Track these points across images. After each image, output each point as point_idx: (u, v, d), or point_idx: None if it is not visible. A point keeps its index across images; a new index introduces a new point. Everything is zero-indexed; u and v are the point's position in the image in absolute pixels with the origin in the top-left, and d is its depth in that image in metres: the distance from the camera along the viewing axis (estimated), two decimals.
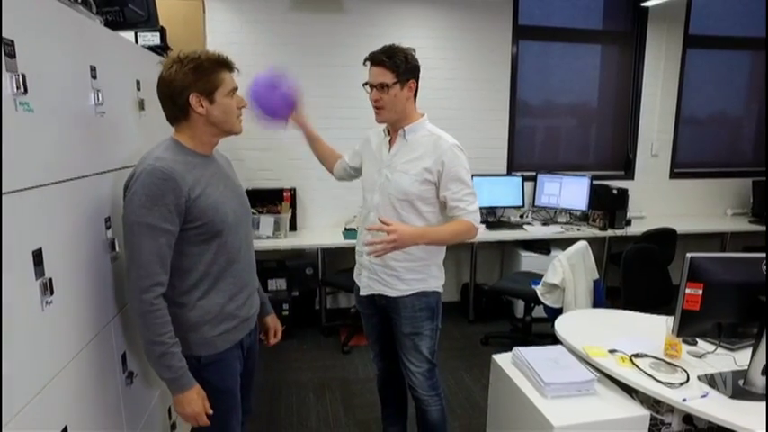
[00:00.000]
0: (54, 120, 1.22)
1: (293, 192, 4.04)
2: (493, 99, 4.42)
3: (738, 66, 5.00)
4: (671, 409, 1.77)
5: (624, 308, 2.54)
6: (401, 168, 1.94)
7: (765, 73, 4.90)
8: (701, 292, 1.63)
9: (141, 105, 1.85)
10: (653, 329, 2.13)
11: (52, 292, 1.16)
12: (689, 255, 1.66)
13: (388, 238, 1.72)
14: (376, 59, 1.88)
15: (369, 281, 2.08)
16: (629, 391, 1.83)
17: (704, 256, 1.65)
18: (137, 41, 2.29)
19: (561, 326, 2.25)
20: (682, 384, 1.72)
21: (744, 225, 4.63)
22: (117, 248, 1.55)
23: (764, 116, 5.04)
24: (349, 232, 3.97)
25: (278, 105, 1.99)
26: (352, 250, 3.79)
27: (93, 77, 1.44)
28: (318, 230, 4.15)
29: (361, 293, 2.13)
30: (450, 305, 4.51)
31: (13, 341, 1.01)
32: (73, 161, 1.33)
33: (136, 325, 1.39)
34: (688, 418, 1.78)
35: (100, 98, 1.46)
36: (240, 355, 1.65)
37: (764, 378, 1.66)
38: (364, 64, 1.92)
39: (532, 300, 3.37)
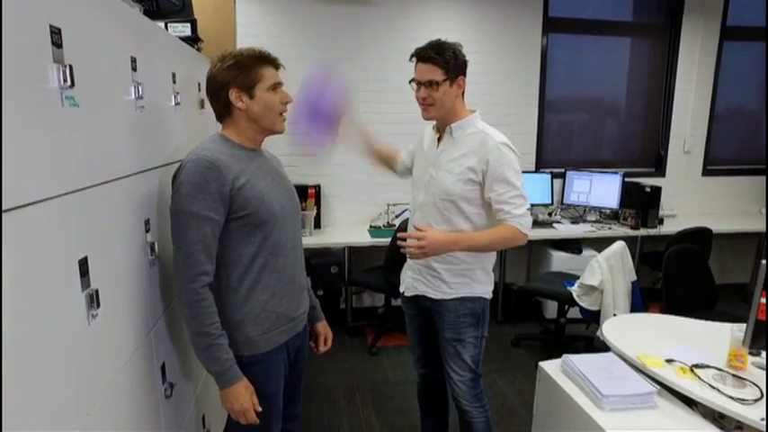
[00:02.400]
0: (98, 115, 1.13)
1: (318, 189, 3.94)
2: (521, 94, 4.31)
3: None
4: (739, 426, 1.66)
5: (666, 311, 2.43)
6: (446, 167, 1.87)
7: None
8: None
9: (177, 99, 1.76)
10: (709, 337, 2.02)
11: (98, 305, 1.06)
12: (764, 261, 1.55)
13: (417, 243, 1.69)
14: (424, 56, 1.79)
15: (413, 281, 2.03)
16: (689, 403, 1.72)
17: None
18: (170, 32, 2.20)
19: (609, 332, 2.14)
20: (756, 401, 1.61)
21: None
22: (156, 251, 1.46)
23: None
24: (375, 230, 3.87)
25: (325, 115, 1.84)
26: (378, 249, 3.80)
27: (134, 69, 1.35)
28: (344, 228, 4.06)
29: (406, 293, 2.08)
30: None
31: (61, 360, 0.92)
32: (115, 160, 1.23)
33: (183, 317, 1.40)
34: None
35: (140, 91, 1.37)
36: (285, 357, 1.60)
37: None
38: (411, 60, 1.84)
39: (567, 301, 3.25)
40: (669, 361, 1.87)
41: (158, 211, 1.50)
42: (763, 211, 4.83)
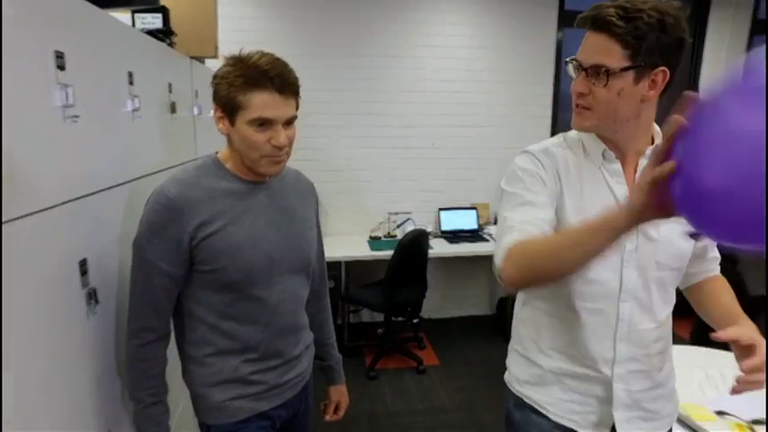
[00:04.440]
0: (93, 125, 1.14)
1: None
2: (534, 93, 4.04)
3: None
4: None
5: (696, 342, 2.14)
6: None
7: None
8: None
9: (134, 104, 1.47)
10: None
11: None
12: None
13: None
14: (600, 20, 1.03)
15: (628, 422, 1.19)
16: None
17: None
18: (134, 25, 1.92)
19: None
20: None
21: None
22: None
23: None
24: (375, 241, 3.59)
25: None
26: (378, 262, 3.49)
27: (60, 68, 1.05)
28: (341, 239, 3.78)
29: None
30: (483, 319, 4.16)
31: None
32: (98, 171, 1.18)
33: None
34: None
35: (70, 97, 1.07)
36: (268, 429, 1.34)
37: None
38: (580, 26, 1.10)
39: None
40: (720, 413, 1.58)
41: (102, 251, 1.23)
42: None
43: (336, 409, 1.60)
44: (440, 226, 3.88)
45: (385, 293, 3.14)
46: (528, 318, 1.25)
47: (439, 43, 3.80)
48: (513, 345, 1.32)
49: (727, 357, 1.99)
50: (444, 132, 3.95)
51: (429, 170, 3.99)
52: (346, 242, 3.67)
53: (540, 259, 0.96)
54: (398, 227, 3.75)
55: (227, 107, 1.13)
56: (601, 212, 0.86)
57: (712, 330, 1.09)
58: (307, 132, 3.62)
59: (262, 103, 1.10)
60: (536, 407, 1.23)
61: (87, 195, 1.12)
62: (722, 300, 1.23)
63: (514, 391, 1.28)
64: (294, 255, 1.29)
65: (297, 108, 1.18)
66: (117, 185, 1.29)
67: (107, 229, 1.24)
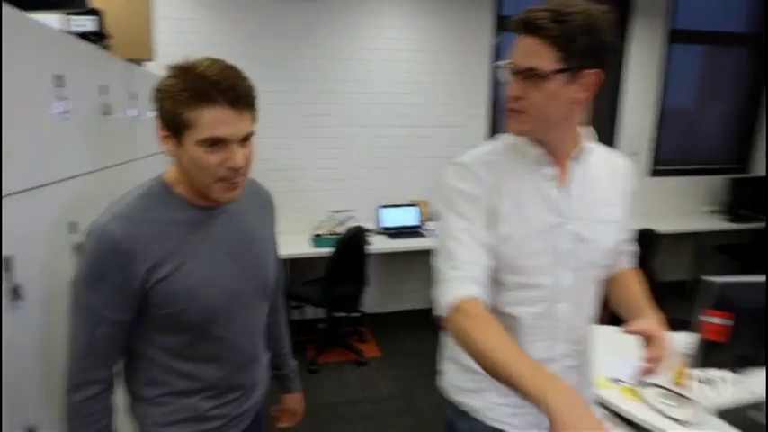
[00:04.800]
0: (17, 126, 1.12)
1: None
2: (471, 94, 4.21)
3: (715, 62, 4.94)
4: None
5: (609, 321, 2.34)
6: (601, 216, 1.20)
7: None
8: (730, 322, 1.43)
9: (63, 105, 1.52)
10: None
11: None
12: (712, 279, 1.46)
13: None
14: (531, 24, 1.03)
15: None
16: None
17: (738, 280, 1.45)
18: (67, 28, 1.93)
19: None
20: (693, 423, 1.54)
21: (720, 224, 4.58)
22: None
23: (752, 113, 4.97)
24: (318, 239, 3.68)
25: None
26: (321, 259, 3.57)
27: None
28: (284, 237, 3.76)
29: None
30: (424, 312, 4.22)
31: None
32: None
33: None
34: None
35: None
36: None
37: None
38: (512, 30, 1.08)
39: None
40: (616, 381, 1.77)
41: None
42: (703, 210, 4.93)
43: (291, 416, 1.53)
44: (381, 223, 3.99)
45: (324, 289, 3.24)
46: None
47: (380, 46, 3.92)
48: (447, 354, 1.32)
49: (614, 332, 2.23)
50: (386, 132, 4.07)
51: (371, 169, 4.10)
52: (290, 240, 3.72)
53: (474, 353, 0.98)
54: (341, 225, 3.86)
55: (173, 126, 0.97)
56: (536, 371, 0.87)
57: (617, 321, 1.26)
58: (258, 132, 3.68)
59: (212, 120, 0.95)
60: (473, 414, 1.23)
61: (12, 194, 1.11)
62: (632, 291, 1.30)
63: (453, 401, 1.28)
64: (255, 283, 1.18)
65: (254, 122, 1.03)
66: (44, 185, 1.28)
67: (35, 228, 1.21)
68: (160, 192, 1.06)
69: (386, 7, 3.91)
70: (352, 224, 3.56)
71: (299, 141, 3.91)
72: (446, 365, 1.32)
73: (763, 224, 4.49)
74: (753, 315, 1.45)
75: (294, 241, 3.70)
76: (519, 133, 1.12)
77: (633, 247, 1.36)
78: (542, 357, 1.15)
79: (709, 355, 1.51)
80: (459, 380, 1.27)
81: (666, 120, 4.79)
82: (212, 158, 0.97)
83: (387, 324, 4.11)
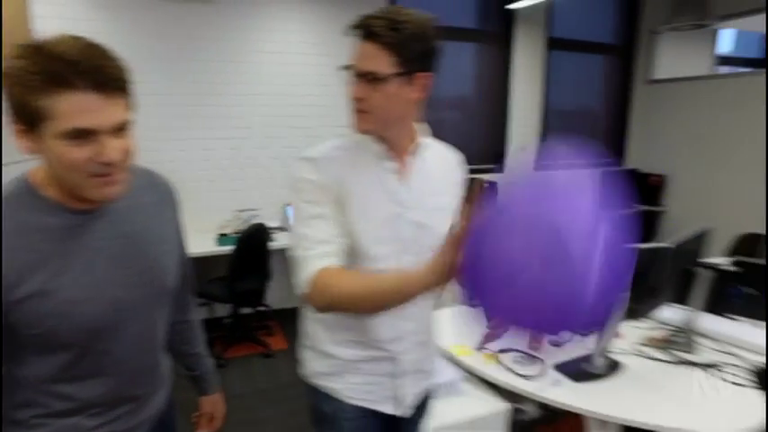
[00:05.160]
0: None
1: None
2: None
3: (594, 67, 5.47)
4: (531, 399, 1.85)
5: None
6: (437, 204, 1.31)
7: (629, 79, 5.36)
8: None
9: None
10: None
11: None
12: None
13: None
14: (369, 31, 1.11)
15: (413, 385, 1.37)
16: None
17: None
18: None
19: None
20: (537, 376, 1.79)
21: None
22: None
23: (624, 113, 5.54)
24: (223, 238, 3.75)
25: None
26: (225, 258, 3.66)
27: None
28: (190, 238, 3.83)
29: (404, 412, 1.37)
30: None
31: None
32: None
33: None
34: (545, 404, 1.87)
35: None
36: None
37: (602, 359, 1.78)
38: (350, 35, 1.16)
39: None
40: (480, 349, 2.02)
41: None
42: None
43: (211, 420, 1.42)
44: (289, 220, 4.09)
45: (228, 285, 3.33)
46: (320, 317, 1.29)
47: (273, 49, 4.03)
48: (305, 342, 1.38)
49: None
50: (284, 133, 4.19)
51: (273, 168, 4.21)
52: (195, 240, 3.76)
53: (356, 300, 1.04)
54: (246, 223, 3.93)
55: (26, 117, 0.81)
56: (415, 269, 0.96)
57: None
58: (152, 135, 3.69)
59: (72, 108, 0.79)
60: (334, 395, 1.31)
61: None
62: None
63: (315, 385, 1.34)
64: (148, 290, 1.04)
65: (130, 110, 0.88)
66: None
67: None
68: (21, 195, 0.89)
69: (281, 12, 4.02)
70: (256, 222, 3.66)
71: (199, 143, 3.95)
72: (305, 353, 1.39)
73: (635, 211, 5.05)
74: None
75: (200, 241, 3.74)
76: (364, 132, 1.19)
77: None
78: (390, 336, 1.27)
79: None
80: (318, 366, 1.34)
81: (551, 118, 5.25)
82: (78, 153, 0.82)
83: (294, 318, 4.20)
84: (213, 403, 1.41)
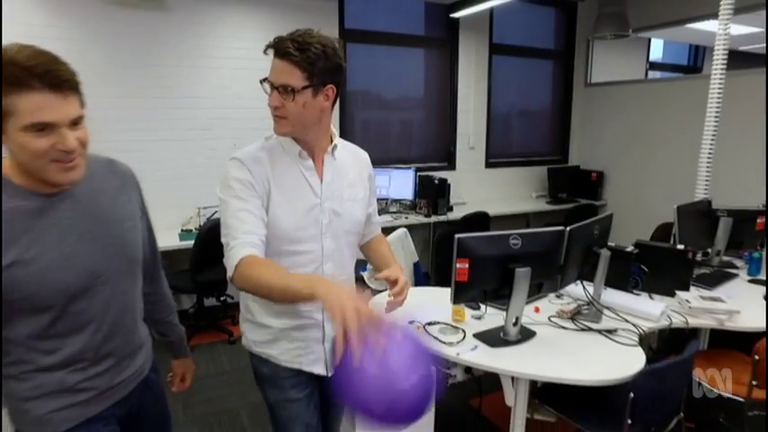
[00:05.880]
0: None
1: None
2: None
3: (534, 71, 5.84)
4: (455, 364, 2.14)
5: (438, 285, 2.91)
6: (349, 196, 1.55)
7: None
8: (467, 265, 1.99)
9: None
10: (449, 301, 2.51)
11: None
12: (457, 235, 2.00)
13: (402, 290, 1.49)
14: (280, 49, 1.31)
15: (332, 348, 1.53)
16: None
17: (469, 236, 2.00)
18: None
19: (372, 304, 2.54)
20: (459, 343, 2.09)
21: (543, 206, 5.49)
22: None
23: (562, 113, 5.93)
24: (186, 234, 3.94)
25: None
26: (188, 252, 3.86)
27: None
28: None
29: (329, 372, 1.55)
30: None
31: None
32: None
33: None
34: (469, 369, 2.16)
35: None
36: (107, 427, 1.26)
37: (516, 328, 2.09)
38: (265, 52, 1.37)
39: (362, 284, 3.68)
40: (411, 322, 2.30)
41: None
42: (533, 195, 5.83)
43: (182, 380, 1.63)
44: None
45: (191, 278, 3.55)
46: None
47: (227, 55, 4.19)
48: (244, 315, 1.57)
49: (439, 291, 2.74)
50: (239, 134, 4.32)
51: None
52: (159, 236, 3.92)
53: (261, 288, 1.23)
54: (208, 219, 4.14)
55: None
56: (307, 280, 1.15)
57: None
58: (116, 115, 3.83)
59: (33, 105, 0.94)
60: (272, 360, 1.51)
61: None
62: (381, 250, 1.72)
63: (255, 352, 1.55)
64: (118, 260, 1.20)
65: (82, 106, 1.03)
66: None
67: None
68: None
69: (235, 18, 4.19)
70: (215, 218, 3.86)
71: (158, 144, 4.10)
72: (245, 326, 1.57)
73: (574, 205, 5.45)
74: (481, 260, 2.01)
75: (164, 237, 3.90)
76: (282, 134, 1.42)
77: (379, 219, 1.78)
78: (318, 306, 1.45)
79: (459, 293, 2.05)
80: (256, 335, 1.53)
81: (497, 119, 5.61)
82: (41, 143, 0.97)
83: None
84: (184, 365, 1.63)
